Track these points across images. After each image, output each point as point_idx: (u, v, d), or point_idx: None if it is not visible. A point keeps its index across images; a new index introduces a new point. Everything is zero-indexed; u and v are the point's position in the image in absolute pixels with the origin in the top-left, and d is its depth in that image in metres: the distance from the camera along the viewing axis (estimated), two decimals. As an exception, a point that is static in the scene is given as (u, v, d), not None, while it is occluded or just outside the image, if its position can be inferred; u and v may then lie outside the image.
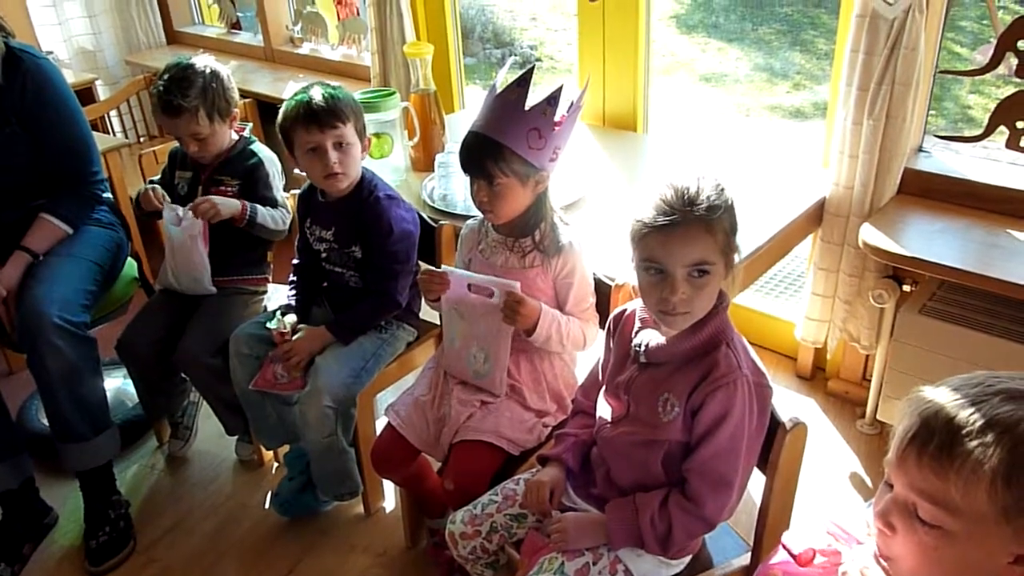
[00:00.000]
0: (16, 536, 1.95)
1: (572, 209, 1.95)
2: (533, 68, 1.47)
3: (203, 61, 1.93)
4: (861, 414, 2.14)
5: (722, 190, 1.19)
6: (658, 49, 5.23)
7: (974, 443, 0.76)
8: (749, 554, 1.35)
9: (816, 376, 2.33)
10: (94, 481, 1.97)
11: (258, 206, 1.97)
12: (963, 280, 1.69)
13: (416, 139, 2.23)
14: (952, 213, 1.88)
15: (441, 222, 1.90)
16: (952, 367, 1.73)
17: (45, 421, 2.28)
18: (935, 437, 0.78)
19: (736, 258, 1.23)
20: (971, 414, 0.78)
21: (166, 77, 1.87)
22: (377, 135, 2.11)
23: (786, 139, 4.57)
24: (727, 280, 1.23)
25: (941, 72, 1.95)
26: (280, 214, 2.01)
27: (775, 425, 1.26)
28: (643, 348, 1.29)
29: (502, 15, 6.71)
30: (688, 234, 1.15)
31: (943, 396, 0.81)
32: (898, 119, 1.80)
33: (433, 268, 1.58)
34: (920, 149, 2.00)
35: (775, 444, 1.25)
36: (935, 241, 1.78)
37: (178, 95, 1.85)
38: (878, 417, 2.02)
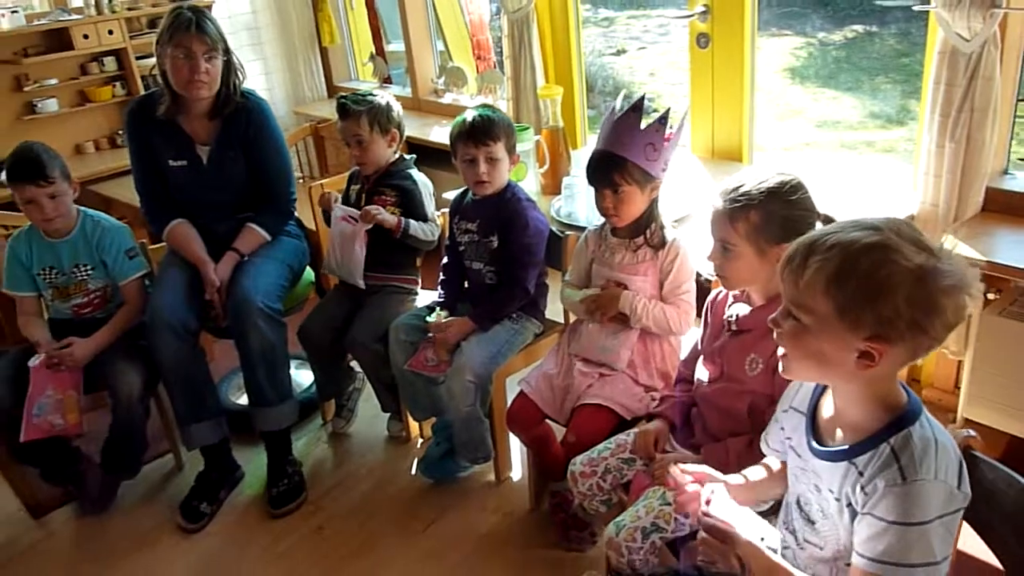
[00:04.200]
0: (214, 483, 2.40)
1: (682, 222, 2.26)
2: (644, 96, 1.82)
3: (386, 94, 2.40)
4: (953, 419, 2.29)
5: (764, 192, 1.42)
6: (772, 98, 5.48)
7: (818, 257, 1.02)
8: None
9: (911, 386, 2.48)
10: (276, 441, 2.40)
11: (411, 220, 2.37)
12: (1041, 284, 1.87)
13: (546, 167, 2.61)
14: (1036, 228, 2.06)
15: (567, 233, 2.25)
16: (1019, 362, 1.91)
17: (233, 399, 2.78)
18: (799, 255, 1.05)
19: (781, 251, 1.45)
20: (826, 237, 1.03)
21: (352, 93, 2.38)
22: (514, 162, 2.50)
23: (890, 171, 4.67)
24: (773, 265, 1.41)
25: (1022, 99, 2.15)
26: (430, 227, 2.41)
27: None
28: (735, 317, 1.58)
29: (622, 70, 7.14)
30: (716, 217, 1.48)
31: (826, 228, 1.07)
32: (977, 142, 2.01)
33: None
34: (1005, 171, 2.19)
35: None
36: (1017, 250, 1.97)
37: (352, 102, 2.34)
38: (964, 415, 2.18)
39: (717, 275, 1.55)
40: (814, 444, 1.17)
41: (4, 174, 2.38)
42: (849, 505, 1.11)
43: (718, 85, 2.70)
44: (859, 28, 5.72)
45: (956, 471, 1.05)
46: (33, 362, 2.19)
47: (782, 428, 1.29)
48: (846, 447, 1.11)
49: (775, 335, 1.12)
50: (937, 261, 1.00)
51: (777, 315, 1.11)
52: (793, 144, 5.11)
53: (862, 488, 1.07)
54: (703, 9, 2.61)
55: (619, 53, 7.25)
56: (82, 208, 2.34)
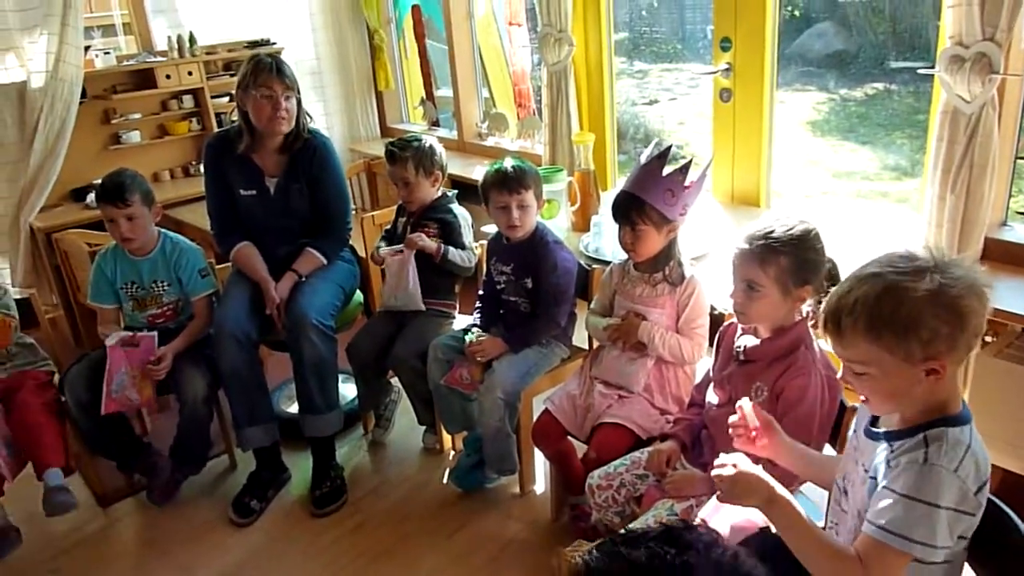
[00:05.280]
0: (264, 482, 2.49)
1: (700, 259, 2.32)
2: (671, 145, 1.90)
3: (429, 138, 2.51)
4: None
5: (794, 238, 1.48)
6: (794, 149, 5.52)
7: (849, 319, 1.10)
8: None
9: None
10: (322, 447, 2.50)
11: (450, 247, 2.47)
12: (1035, 328, 1.89)
13: (577, 206, 2.71)
14: (1032, 277, 2.09)
15: (593, 266, 2.33)
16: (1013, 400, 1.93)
17: (284, 407, 2.89)
18: (830, 322, 1.13)
19: (804, 293, 1.52)
20: (847, 293, 1.11)
21: (398, 139, 2.47)
22: (547, 201, 2.59)
23: (901, 220, 4.66)
24: (792, 305, 1.54)
25: (1020, 157, 2.19)
26: (468, 255, 2.51)
27: (843, 409, 1.56)
28: (742, 348, 1.64)
29: (653, 119, 7.23)
30: (744, 259, 1.52)
31: (840, 288, 1.14)
32: (976, 195, 2.05)
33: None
34: (1004, 223, 2.23)
35: (843, 423, 1.55)
36: (1014, 296, 2.00)
37: (398, 148, 2.45)
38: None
39: (736, 312, 1.59)
40: (869, 426, 1.23)
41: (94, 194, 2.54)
42: (873, 478, 1.16)
43: (738, 136, 2.78)
44: (878, 86, 5.75)
45: (977, 481, 1.10)
46: (110, 341, 2.31)
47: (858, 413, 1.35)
48: (892, 430, 1.17)
49: (854, 388, 1.18)
50: (940, 276, 1.07)
51: (844, 372, 1.17)
52: (812, 192, 5.15)
53: (888, 463, 1.13)
54: (726, 67, 2.70)
55: (651, 103, 7.35)
56: (163, 230, 2.49)
